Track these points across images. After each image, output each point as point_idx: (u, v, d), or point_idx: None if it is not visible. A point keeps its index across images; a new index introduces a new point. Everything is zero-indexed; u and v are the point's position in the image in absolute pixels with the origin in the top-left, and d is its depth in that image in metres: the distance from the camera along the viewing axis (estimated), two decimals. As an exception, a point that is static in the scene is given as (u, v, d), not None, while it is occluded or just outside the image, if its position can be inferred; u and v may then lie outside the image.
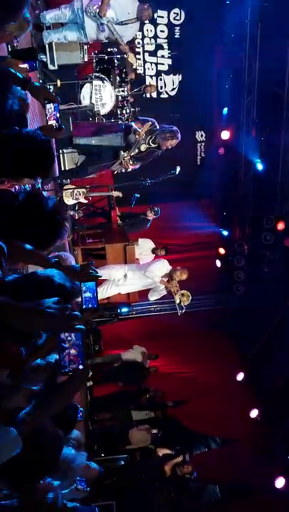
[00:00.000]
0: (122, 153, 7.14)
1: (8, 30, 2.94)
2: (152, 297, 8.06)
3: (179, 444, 9.77)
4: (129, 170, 7.43)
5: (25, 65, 3.28)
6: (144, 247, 9.23)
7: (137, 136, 7.05)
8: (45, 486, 2.59)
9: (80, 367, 2.01)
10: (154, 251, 9.28)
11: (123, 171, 7.56)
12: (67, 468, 3.52)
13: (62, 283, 2.27)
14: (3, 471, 1.90)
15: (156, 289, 7.75)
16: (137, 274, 7.75)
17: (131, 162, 7.20)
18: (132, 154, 7.15)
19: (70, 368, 1.98)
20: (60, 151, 7.33)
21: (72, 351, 2.00)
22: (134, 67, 8.88)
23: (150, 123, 7.11)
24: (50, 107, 3.20)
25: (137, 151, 7.17)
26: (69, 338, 1.97)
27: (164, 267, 7.68)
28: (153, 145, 7.18)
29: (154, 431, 9.58)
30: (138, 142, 7.10)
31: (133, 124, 7.28)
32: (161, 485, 7.74)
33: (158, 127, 7.17)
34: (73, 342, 1.99)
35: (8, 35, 3.04)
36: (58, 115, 3.24)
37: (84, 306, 2.71)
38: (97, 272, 2.94)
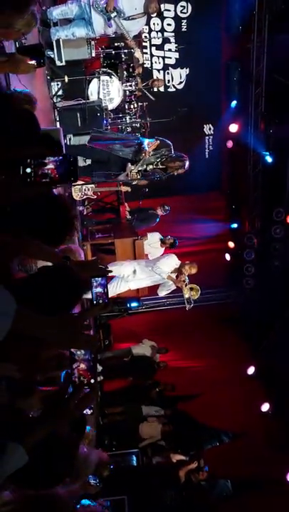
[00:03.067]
0: (129, 165, 7.38)
1: (16, 27, 2.94)
2: (162, 292, 8.05)
3: (191, 439, 9.79)
4: (135, 183, 7.63)
5: (33, 62, 3.27)
6: (152, 240, 9.22)
7: (143, 155, 7.27)
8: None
9: (92, 381, 2.00)
10: (162, 241, 9.26)
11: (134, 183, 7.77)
12: (80, 468, 3.52)
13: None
14: (20, 477, 1.90)
15: (165, 284, 7.74)
16: (146, 270, 7.74)
17: (138, 176, 7.36)
18: (138, 169, 7.31)
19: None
20: None
21: (82, 366, 2.00)
22: (140, 62, 8.85)
23: (157, 143, 7.36)
24: None
25: (144, 167, 7.39)
26: (78, 352, 1.98)
27: (172, 261, 7.66)
28: (161, 166, 7.43)
29: (164, 420, 9.62)
30: (144, 160, 7.31)
31: (146, 140, 7.40)
32: (174, 488, 7.76)
33: (172, 153, 7.44)
34: (83, 357, 2.00)
35: (16, 32, 3.04)
36: None
37: (94, 302, 2.70)
38: (107, 267, 2.94)
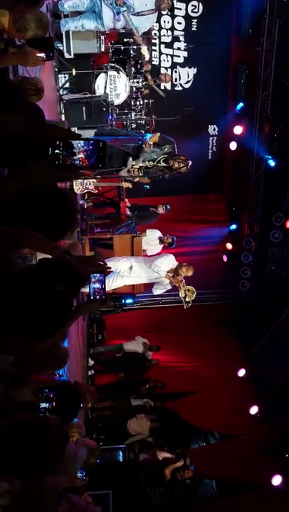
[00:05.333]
0: (130, 160, 7.40)
1: (28, 31, 2.95)
2: (156, 291, 8.04)
3: (178, 438, 9.82)
4: (137, 180, 7.62)
5: (42, 55, 3.28)
6: (151, 237, 9.23)
7: (144, 146, 7.26)
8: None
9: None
10: (161, 240, 9.29)
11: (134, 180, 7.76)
12: (69, 463, 3.53)
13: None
14: (7, 468, 1.91)
15: (162, 283, 7.74)
16: (143, 267, 7.74)
17: (140, 174, 7.38)
18: (139, 165, 7.32)
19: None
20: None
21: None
22: (146, 59, 8.83)
23: (158, 134, 7.37)
24: None
25: (145, 163, 7.40)
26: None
27: (170, 261, 7.66)
28: (163, 164, 7.44)
29: (153, 417, 9.65)
30: (146, 155, 7.31)
31: (149, 135, 7.48)
32: (160, 486, 7.79)
33: (175, 151, 7.46)
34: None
35: (24, 34, 3.05)
36: None
37: (92, 297, 2.72)
38: (106, 264, 2.95)
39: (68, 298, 2.34)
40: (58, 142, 2.28)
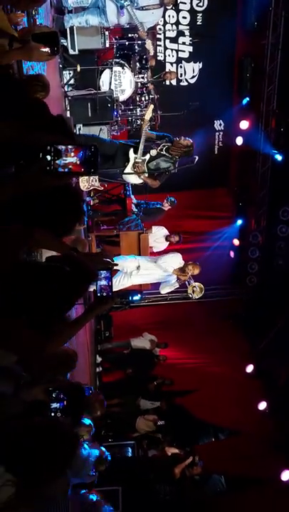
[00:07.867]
0: (131, 153, 7.34)
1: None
2: (164, 290, 7.94)
3: (186, 434, 9.79)
4: (141, 180, 7.59)
5: (47, 49, 3.24)
6: (157, 235, 9.21)
7: (142, 123, 7.23)
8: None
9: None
10: (167, 238, 9.26)
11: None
12: (82, 466, 3.51)
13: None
14: (16, 469, 1.90)
15: (169, 281, 7.68)
16: (151, 265, 7.69)
17: (144, 169, 7.35)
18: (142, 158, 7.26)
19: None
20: None
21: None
22: (151, 54, 8.78)
23: (152, 106, 7.43)
24: None
25: (147, 156, 7.34)
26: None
27: (177, 260, 7.61)
28: (165, 153, 7.43)
29: (161, 422, 9.61)
30: (144, 131, 7.26)
31: None
32: (169, 482, 7.77)
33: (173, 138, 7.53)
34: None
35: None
36: None
37: (98, 294, 2.70)
38: (113, 261, 2.94)
39: (79, 293, 2.34)
40: (48, 147, 2.29)
